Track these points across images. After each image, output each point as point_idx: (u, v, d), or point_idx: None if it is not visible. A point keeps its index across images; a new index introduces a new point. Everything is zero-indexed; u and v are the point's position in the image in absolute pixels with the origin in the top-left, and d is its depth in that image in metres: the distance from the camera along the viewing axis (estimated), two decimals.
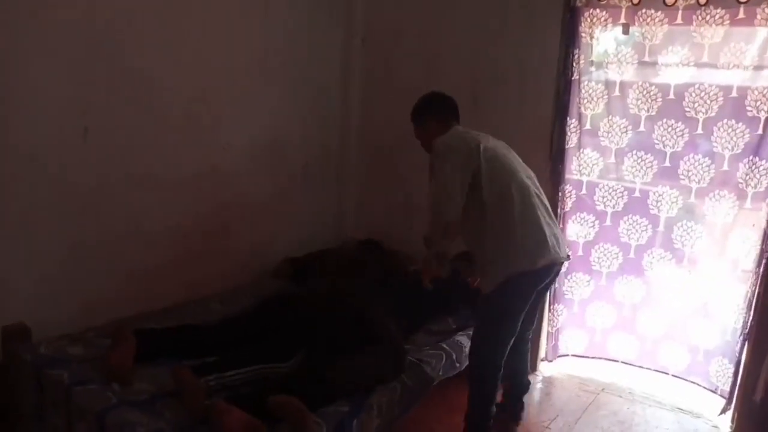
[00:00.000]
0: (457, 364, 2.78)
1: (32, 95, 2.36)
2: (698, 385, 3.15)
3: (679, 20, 2.86)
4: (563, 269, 3.10)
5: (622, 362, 3.37)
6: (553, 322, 3.39)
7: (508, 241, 2.32)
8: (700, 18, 2.80)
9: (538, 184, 2.53)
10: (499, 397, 2.71)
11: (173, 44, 2.82)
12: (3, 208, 2.35)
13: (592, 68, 3.13)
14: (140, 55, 2.69)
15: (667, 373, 3.25)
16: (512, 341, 2.50)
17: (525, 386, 2.91)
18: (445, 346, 2.79)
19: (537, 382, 3.36)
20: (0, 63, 2.25)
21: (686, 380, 3.19)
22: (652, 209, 3.12)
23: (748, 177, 2.84)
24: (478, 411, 2.54)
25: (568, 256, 2.63)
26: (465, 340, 2.84)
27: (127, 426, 1.93)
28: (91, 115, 2.55)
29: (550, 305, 3.35)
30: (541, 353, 3.45)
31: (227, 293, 3.10)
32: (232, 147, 3.21)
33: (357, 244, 3.67)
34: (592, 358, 3.45)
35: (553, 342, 3.43)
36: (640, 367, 3.32)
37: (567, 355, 3.48)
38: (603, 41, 3.11)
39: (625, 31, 3.01)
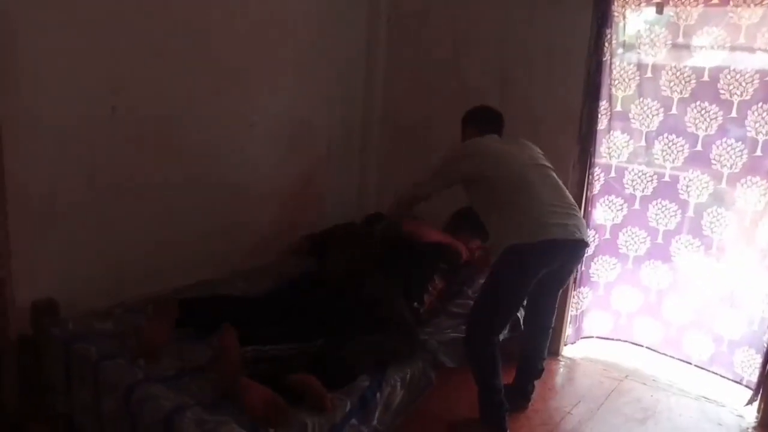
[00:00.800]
0: None
1: (60, 70, 2.36)
2: (722, 376, 3.11)
3: (715, 0, 2.78)
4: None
5: (647, 347, 3.34)
6: (578, 305, 3.37)
7: (509, 220, 2.50)
8: None
9: (551, 173, 2.64)
10: (510, 379, 2.82)
11: (200, 23, 2.81)
12: (31, 184, 2.37)
13: (623, 49, 3.06)
14: (168, 33, 2.68)
15: (690, 363, 3.21)
16: (510, 320, 2.70)
17: (538, 371, 2.93)
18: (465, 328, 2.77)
19: (559, 366, 3.35)
20: (25, 36, 2.24)
21: (709, 371, 3.15)
22: (682, 194, 3.06)
23: None
24: (483, 386, 2.61)
25: (585, 241, 2.59)
26: None
27: (153, 400, 1.95)
28: (119, 95, 2.55)
29: (575, 288, 3.32)
30: (564, 337, 3.42)
31: (252, 271, 3.10)
32: (258, 125, 3.21)
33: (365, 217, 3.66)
34: (616, 340, 3.43)
35: (577, 324, 3.41)
36: (663, 354, 3.29)
37: (591, 336, 3.46)
38: (635, 21, 3.03)
39: (659, 11, 2.93)
